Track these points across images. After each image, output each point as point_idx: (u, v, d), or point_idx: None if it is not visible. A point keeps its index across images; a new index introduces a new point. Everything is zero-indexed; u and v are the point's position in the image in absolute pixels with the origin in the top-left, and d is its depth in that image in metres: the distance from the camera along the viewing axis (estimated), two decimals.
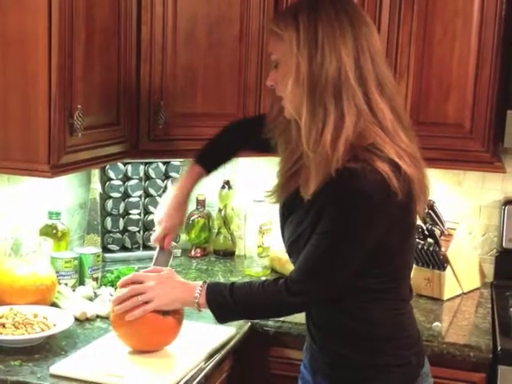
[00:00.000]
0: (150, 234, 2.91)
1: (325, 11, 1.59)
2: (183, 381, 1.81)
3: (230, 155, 2.15)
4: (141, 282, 1.84)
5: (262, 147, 1.92)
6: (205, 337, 2.03)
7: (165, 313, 1.85)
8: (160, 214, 2.08)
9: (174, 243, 2.23)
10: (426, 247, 2.52)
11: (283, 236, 1.82)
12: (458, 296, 2.58)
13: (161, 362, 1.86)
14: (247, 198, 2.91)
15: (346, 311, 1.72)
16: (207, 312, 1.79)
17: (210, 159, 2.10)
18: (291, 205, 1.76)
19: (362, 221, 1.61)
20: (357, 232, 1.62)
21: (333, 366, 1.76)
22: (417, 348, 1.78)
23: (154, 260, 2.07)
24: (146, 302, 1.81)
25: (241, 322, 2.20)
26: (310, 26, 1.58)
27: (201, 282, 1.80)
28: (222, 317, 1.78)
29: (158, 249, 2.10)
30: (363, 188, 1.56)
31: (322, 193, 1.62)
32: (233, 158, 2.17)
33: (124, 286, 1.87)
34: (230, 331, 2.11)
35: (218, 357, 1.97)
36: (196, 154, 2.11)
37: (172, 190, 2.10)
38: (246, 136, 2.09)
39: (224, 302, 1.74)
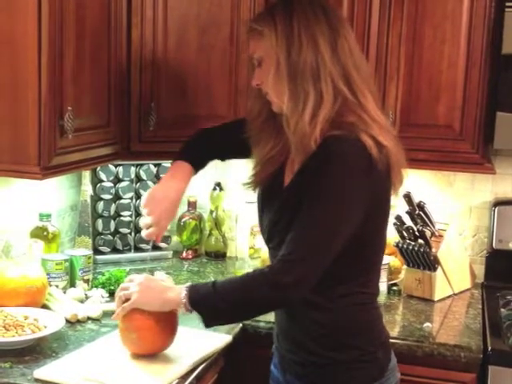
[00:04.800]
0: (142, 236, 2.92)
1: (299, 4, 1.69)
2: (174, 383, 1.80)
3: (214, 153, 2.09)
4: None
5: (242, 149, 1.94)
6: (199, 343, 2.00)
7: (160, 318, 1.83)
8: (156, 210, 1.95)
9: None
10: (416, 248, 2.53)
11: (261, 224, 1.84)
12: (448, 297, 2.59)
13: (151, 367, 1.84)
14: (238, 199, 2.91)
15: (317, 305, 1.72)
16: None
17: (197, 159, 2.03)
18: (270, 192, 1.80)
19: (348, 184, 1.62)
20: (342, 198, 1.62)
21: (302, 364, 1.78)
22: (384, 343, 1.81)
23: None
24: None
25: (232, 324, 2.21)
26: (286, 18, 1.67)
27: (184, 286, 1.75)
28: (207, 318, 1.71)
29: (151, 244, 2.05)
30: (346, 151, 1.61)
31: (305, 168, 1.67)
32: (215, 157, 2.10)
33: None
34: (225, 338, 2.08)
35: (209, 358, 1.96)
36: (182, 152, 2.03)
37: (165, 186, 1.98)
38: (226, 136, 2.05)
39: (207, 300, 1.70)
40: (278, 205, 1.74)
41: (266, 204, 1.82)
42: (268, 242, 1.81)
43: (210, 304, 1.70)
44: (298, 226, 1.64)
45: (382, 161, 1.63)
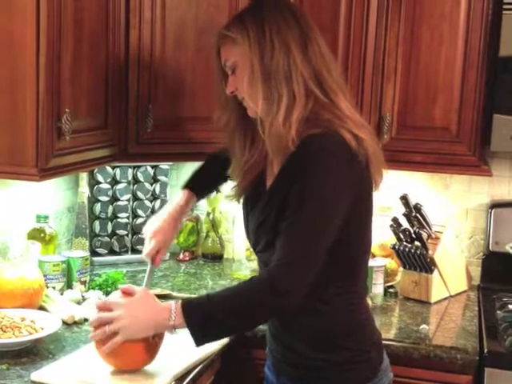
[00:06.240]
0: (139, 238, 2.92)
1: (268, 10, 1.72)
2: None
3: (216, 182, 2.18)
4: (111, 310, 1.73)
5: None
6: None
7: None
8: (152, 228, 2.03)
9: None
10: (413, 250, 2.53)
11: (247, 229, 1.84)
12: (445, 299, 2.59)
13: (147, 369, 1.82)
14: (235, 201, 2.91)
15: (310, 307, 1.72)
16: None
17: (199, 186, 2.12)
18: (253, 196, 1.81)
19: (331, 178, 1.63)
20: (328, 193, 1.62)
21: (295, 367, 1.78)
22: (376, 343, 1.81)
23: (146, 277, 2.00)
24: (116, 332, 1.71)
25: None
26: (258, 25, 1.70)
27: (173, 302, 1.67)
28: (202, 332, 1.65)
29: (149, 264, 2.01)
30: (326, 145, 1.63)
31: (287, 169, 1.68)
32: (219, 185, 2.18)
33: (98, 309, 1.78)
34: (222, 340, 2.04)
35: (205, 360, 1.97)
36: (185, 182, 2.12)
37: (165, 209, 2.07)
38: (224, 165, 2.02)
39: (203, 311, 1.64)
40: (261, 207, 1.75)
41: (250, 208, 1.82)
42: (255, 246, 1.81)
43: (204, 314, 1.65)
44: (286, 227, 1.64)
45: (361, 153, 1.66)
